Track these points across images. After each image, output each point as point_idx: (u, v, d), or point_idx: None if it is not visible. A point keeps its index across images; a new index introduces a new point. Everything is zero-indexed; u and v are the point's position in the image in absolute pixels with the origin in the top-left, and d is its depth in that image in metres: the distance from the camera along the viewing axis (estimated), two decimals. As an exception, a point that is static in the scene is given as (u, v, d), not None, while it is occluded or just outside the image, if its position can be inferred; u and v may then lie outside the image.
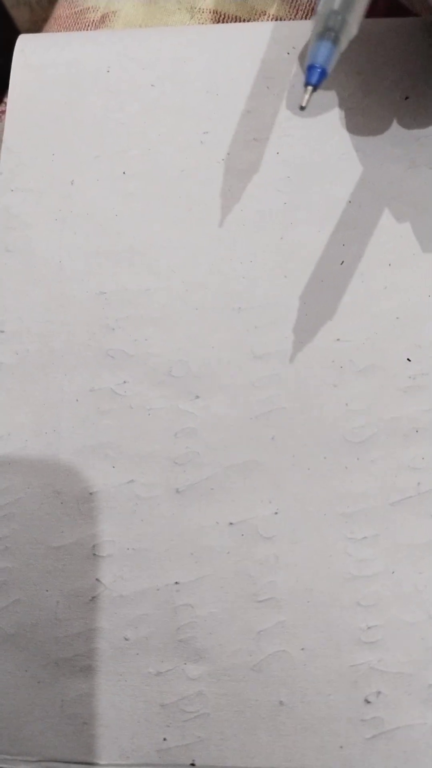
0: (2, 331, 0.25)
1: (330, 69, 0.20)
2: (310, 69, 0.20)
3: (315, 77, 0.20)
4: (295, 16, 0.31)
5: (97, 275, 0.25)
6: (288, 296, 0.25)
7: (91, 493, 0.23)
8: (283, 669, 0.22)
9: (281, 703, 0.22)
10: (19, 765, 0.22)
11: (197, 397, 0.24)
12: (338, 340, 0.24)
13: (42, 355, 0.25)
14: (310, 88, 0.20)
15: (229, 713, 0.22)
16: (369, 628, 0.22)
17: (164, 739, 0.22)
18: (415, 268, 0.25)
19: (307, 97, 0.20)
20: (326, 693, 0.22)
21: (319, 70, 0.20)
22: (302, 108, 0.20)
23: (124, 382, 0.24)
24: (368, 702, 0.22)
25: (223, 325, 0.25)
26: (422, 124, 0.26)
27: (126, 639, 0.22)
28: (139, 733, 0.22)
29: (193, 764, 0.22)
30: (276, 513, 0.23)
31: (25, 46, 0.29)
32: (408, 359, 0.24)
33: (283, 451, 0.23)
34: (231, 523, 0.23)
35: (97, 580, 0.23)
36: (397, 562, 0.22)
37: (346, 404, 0.24)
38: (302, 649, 0.22)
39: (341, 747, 0.22)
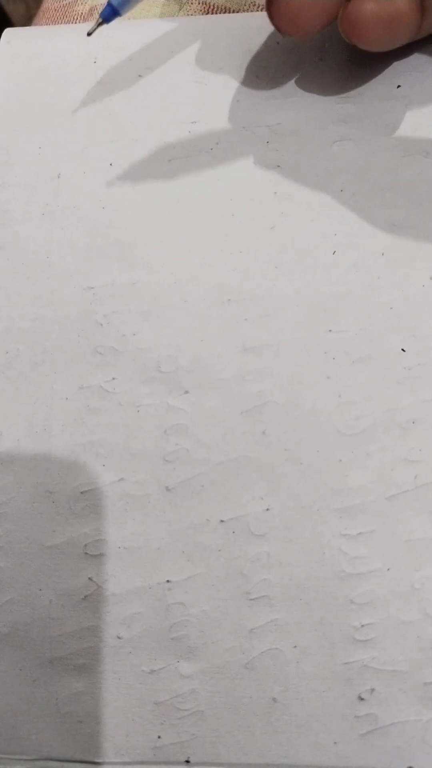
0: (-8, 331, 0.25)
1: (123, 12, 0.24)
2: (107, 4, 0.24)
3: (105, 13, 0.24)
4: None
5: (86, 270, 0.25)
6: (279, 287, 0.24)
7: (82, 492, 0.23)
8: (276, 666, 0.22)
9: (274, 700, 0.22)
10: (15, 764, 0.22)
11: (187, 392, 0.24)
12: (331, 330, 0.24)
13: (32, 353, 0.24)
14: (100, 20, 0.25)
15: (222, 710, 0.22)
16: (363, 626, 0.22)
17: (159, 737, 0.22)
18: (409, 258, 0.24)
19: (94, 26, 0.25)
20: (320, 690, 0.21)
21: (110, 8, 0.24)
22: (89, 34, 0.25)
23: (113, 378, 0.24)
24: (362, 699, 0.21)
25: (213, 318, 0.24)
26: (415, 112, 0.26)
27: (119, 637, 0.22)
28: (133, 731, 0.22)
29: (188, 761, 0.22)
30: (268, 509, 0.22)
31: (11, 39, 0.28)
32: (403, 350, 0.23)
33: (275, 446, 0.23)
34: (222, 521, 0.23)
35: (89, 579, 0.23)
36: (394, 559, 0.22)
37: (340, 396, 0.23)
38: (295, 646, 0.22)
39: (335, 743, 0.21)
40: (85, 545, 0.23)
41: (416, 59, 0.27)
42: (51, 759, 0.22)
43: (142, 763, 0.22)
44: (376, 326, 0.24)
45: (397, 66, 0.26)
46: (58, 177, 0.26)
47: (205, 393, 0.23)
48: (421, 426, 0.23)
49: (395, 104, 0.26)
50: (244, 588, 0.22)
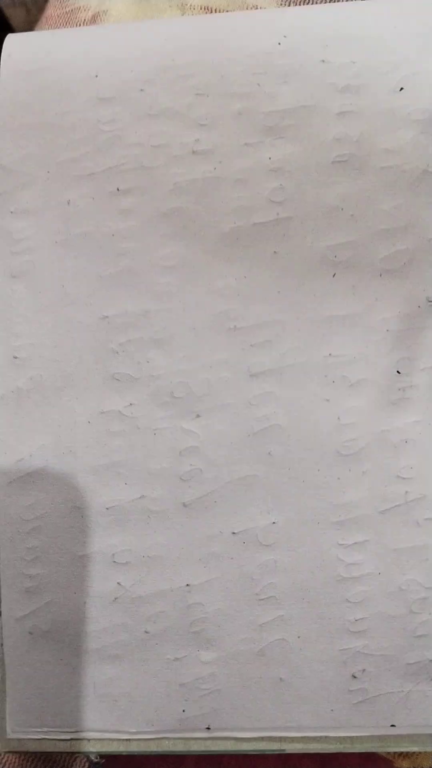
0: (16, 357, 0.26)
1: None
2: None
3: None
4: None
5: (99, 299, 0.26)
6: (282, 313, 0.26)
7: (107, 508, 0.26)
8: (283, 653, 0.25)
9: (281, 679, 0.25)
10: (60, 735, 0.26)
11: (198, 416, 0.26)
12: (330, 355, 0.26)
13: (55, 379, 0.26)
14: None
15: (237, 689, 0.25)
16: (357, 620, 0.25)
17: (183, 711, 0.26)
18: (406, 279, 0.26)
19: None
20: (319, 671, 0.25)
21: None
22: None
23: (131, 404, 0.26)
24: (355, 677, 0.25)
25: (220, 345, 0.26)
26: (417, 127, 0.26)
27: (146, 632, 0.26)
28: (161, 707, 0.26)
29: (208, 728, 0.26)
30: (274, 523, 0.25)
31: (13, 48, 0.28)
32: (398, 372, 0.25)
33: (279, 466, 0.25)
34: (234, 533, 0.25)
35: (118, 583, 0.26)
36: (385, 564, 0.25)
37: (339, 418, 0.25)
38: (299, 637, 0.25)
39: (332, 710, 0.25)
40: (113, 554, 0.26)
41: (419, 63, 0.27)
42: (91, 730, 0.26)
43: (169, 731, 0.26)
44: (373, 349, 0.26)
45: (399, 66, 0.26)
46: (68, 203, 0.27)
47: (215, 417, 0.26)
48: (413, 445, 0.25)
49: (397, 115, 0.26)
50: (254, 590, 0.25)
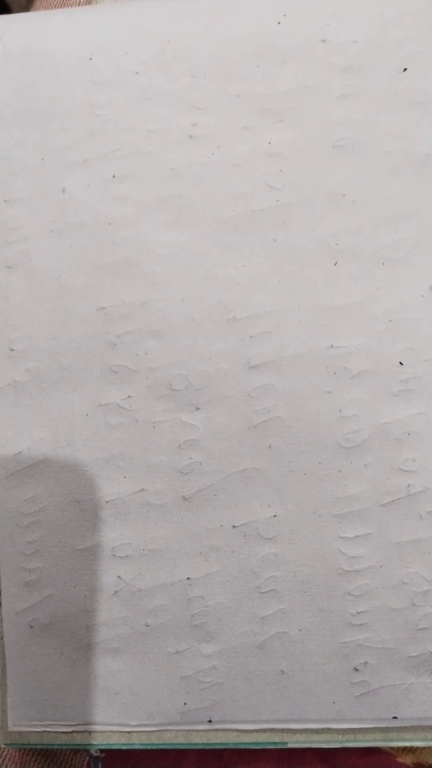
0: (12, 349, 0.26)
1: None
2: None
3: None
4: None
5: (96, 289, 0.26)
6: (282, 302, 0.25)
7: (107, 502, 0.26)
8: (284, 646, 0.25)
9: (283, 672, 0.25)
10: (61, 728, 0.26)
11: (198, 408, 0.25)
12: (332, 346, 0.25)
13: (52, 372, 0.26)
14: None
15: (239, 681, 0.25)
16: (358, 613, 0.25)
17: (185, 704, 0.26)
18: (409, 267, 0.25)
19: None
20: (321, 663, 0.25)
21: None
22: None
23: (129, 396, 0.26)
24: (356, 670, 0.25)
25: (219, 336, 0.25)
26: (419, 111, 0.25)
27: (147, 625, 0.25)
28: (163, 700, 0.26)
29: (210, 721, 0.26)
30: (275, 516, 0.25)
31: (4, 30, 0.27)
32: (400, 363, 0.25)
33: (280, 458, 0.25)
34: (234, 526, 0.25)
35: (118, 577, 0.26)
36: (387, 557, 0.25)
37: (340, 410, 0.25)
38: (300, 630, 0.25)
39: (334, 702, 0.25)
40: (113, 548, 0.26)
41: (423, 42, 0.26)
42: (93, 723, 0.26)
43: (171, 723, 0.26)
44: (375, 340, 0.25)
45: (403, 45, 0.26)
46: (63, 192, 0.26)
47: (215, 409, 0.25)
48: (415, 438, 0.25)
49: (400, 97, 0.25)
50: (255, 583, 0.25)
